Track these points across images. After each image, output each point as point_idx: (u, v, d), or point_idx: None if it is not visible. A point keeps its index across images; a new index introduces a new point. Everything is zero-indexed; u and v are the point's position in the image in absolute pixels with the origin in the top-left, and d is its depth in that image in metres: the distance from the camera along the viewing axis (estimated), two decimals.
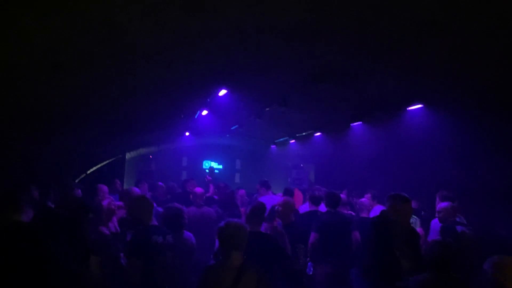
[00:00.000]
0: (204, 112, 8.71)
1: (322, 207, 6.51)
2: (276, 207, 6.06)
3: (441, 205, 5.47)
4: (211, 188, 9.07)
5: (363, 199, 7.13)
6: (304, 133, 11.95)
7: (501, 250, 6.01)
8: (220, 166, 18.61)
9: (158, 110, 7.85)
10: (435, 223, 5.75)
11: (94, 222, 4.46)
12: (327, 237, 5.75)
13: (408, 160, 8.41)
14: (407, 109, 7.10)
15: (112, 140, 10.07)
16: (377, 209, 6.59)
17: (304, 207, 7.23)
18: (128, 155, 14.68)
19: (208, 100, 7.51)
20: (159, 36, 4.23)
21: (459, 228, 5.11)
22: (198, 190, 6.79)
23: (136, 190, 6.60)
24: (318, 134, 11.30)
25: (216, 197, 8.61)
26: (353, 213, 7.07)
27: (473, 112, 6.48)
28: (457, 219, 5.59)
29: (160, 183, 8.69)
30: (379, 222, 4.33)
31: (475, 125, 6.75)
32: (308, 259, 5.73)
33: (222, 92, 6.80)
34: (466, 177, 7.46)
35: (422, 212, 7.17)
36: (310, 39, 4.99)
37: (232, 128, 12.04)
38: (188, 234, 5.07)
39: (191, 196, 6.77)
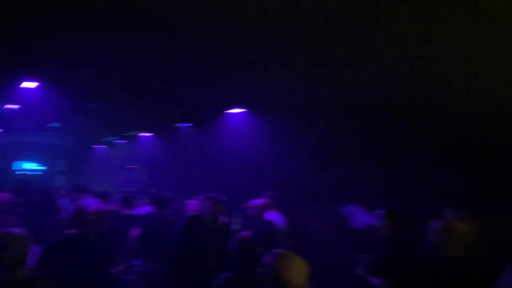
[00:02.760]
0: (11, 106, 7.67)
1: (140, 209, 6.27)
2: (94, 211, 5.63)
3: (253, 201, 5.68)
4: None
5: (191, 200, 7.08)
6: (133, 133, 11.53)
7: (309, 244, 6.66)
8: (42, 168, 16.83)
9: None
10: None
11: None
12: (151, 236, 5.60)
13: (232, 162, 8.70)
14: (230, 112, 7.33)
15: None
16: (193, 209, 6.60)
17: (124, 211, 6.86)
18: None
19: (15, 91, 6.62)
20: None
21: (270, 223, 5.38)
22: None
23: None
24: (148, 134, 11.02)
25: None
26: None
27: (289, 119, 6.99)
28: (272, 215, 5.84)
29: None
30: (189, 222, 4.32)
31: (291, 130, 7.28)
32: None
33: (31, 84, 6.07)
34: (283, 177, 8.00)
35: (244, 210, 7.40)
36: (128, 32, 4.74)
37: (51, 125, 10.93)
38: None
39: None
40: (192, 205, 6.97)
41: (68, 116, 9.37)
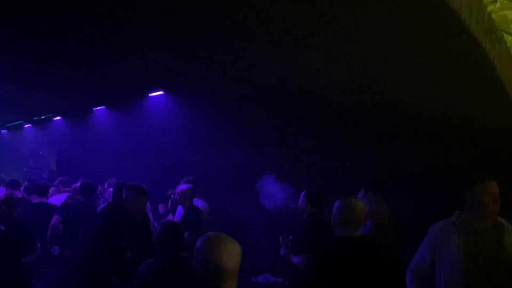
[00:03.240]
0: None
1: (55, 198, 5.98)
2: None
3: (181, 187, 5.62)
4: None
5: (106, 189, 6.85)
6: (42, 117, 10.78)
7: (233, 228, 6.72)
8: None
9: None
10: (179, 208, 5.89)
11: None
12: (71, 224, 5.44)
13: (152, 147, 8.48)
14: (149, 95, 7.11)
15: None
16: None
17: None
18: None
19: None
20: None
21: (196, 208, 5.38)
22: None
23: None
24: (59, 118, 10.35)
25: None
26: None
27: (210, 102, 6.92)
28: (197, 201, 5.82)
29: None
30: (108, 213, 4.16)
31: (212, 114, 7.23)
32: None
33: None
34: (204, 162, 7.96)
35: (172, 196, 7.25)
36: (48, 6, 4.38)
37: None
38: None
39: None
40: (102, 194, 6.78)
41: None
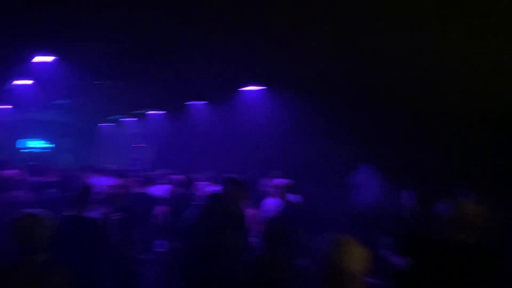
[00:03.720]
0: (22, 82, 7.52)
1: (155, 188, 6.23)
2: (109, 190, 5.60)
3: (275, 182, 5.60)
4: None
5: (201, 182, 7.00)
6: (142, 111, 11.41)
7: (324, 225, 6.59)
8: (48, 145, 16.71)
9: None
10: (269, 201, 5.90)
11: None
12: (177, 215, 5.40)
13: (247, 141, 8.58)
14: (246, 89, 7.18)
15: None
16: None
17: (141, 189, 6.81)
18: None
19: (25, 67, 6.47)
20: None
21: (295, 204, 5.29)
22: (10, 173, 5.86)
23: None
24: (158, 112, 10.89)
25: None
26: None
27: (311, 96, 6.83)
28: (290, 197, 5.79)
29: None
30: (209, 205, 4.20)
31: (305, 108, 7.12)
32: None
33: (44, 58, 5.91)
34: (293, 156, 7.90)
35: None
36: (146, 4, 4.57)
37: (59, 102, 10.77)
38: None
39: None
40: (203, 187, 6.92)
41: (78, 93, 9.21)
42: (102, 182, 6.66)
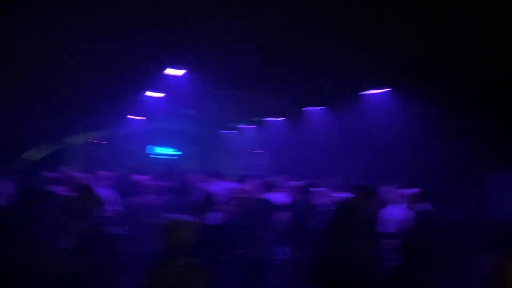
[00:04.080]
0: (154, 94, 8.13)
1: (275, 194, 6.25)
2: (230, 195, 5.74)
3: (406, 191, 5.25)
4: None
5: (322, 188, 6.85)
6: (261, 118, 11.62)
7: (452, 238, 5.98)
8: (178, 152, 18.04)
9: (94, 88, 7.20)
10: (395, 210, 5.54)
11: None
12: (298, 222, 5.65)
13: (367, 146, 8.20)
14: (367, 93, 6.86)
15: (55, 125, 9.32)
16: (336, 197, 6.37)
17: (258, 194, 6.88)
18: (74, 141, 13.83)
19: (157, 81, 6.97)
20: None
21: (426, 214, 4.92)
22: (141, 178, 6.36)
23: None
24: (274, 118, 11.00)
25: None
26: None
27: (437, 97, 6.30)
28: (422, 206, 5.38)
29: (105, 171, 8.03)
30: (339, 212, 4.07)
31: (436, 110, 6.58)
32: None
33: (175, 72, 6.31)
34: (420, 162, 7.33)
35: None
36: (261, 13, 4.59)
37: (186, 112, 11.51)
38: None
39: (134, 185, 6.32)
40: (321, 193, 6.74)
41: (202, 103, 9.70)
42: (223, 187, 6.91)
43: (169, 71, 6.45)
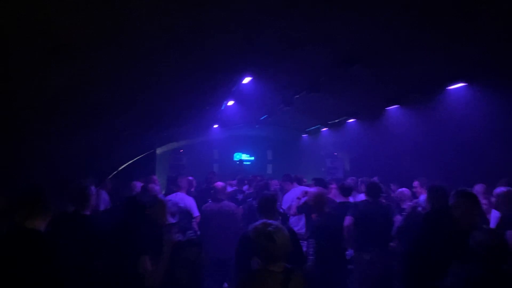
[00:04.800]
0: (230, 102, 8.37)
1: (353, 198, 6.14)
2: (306, 199, 5.74)
3: (497, 190, 4.88)
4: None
5: (403, 189, 6.61)
6: (336, 120, 11.43)
7: None
8: (252, 158, 18.39)
9: (181, 102, 7.56)
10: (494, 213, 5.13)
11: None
12: (366, 226, 5.49)
13: (451, 145, 7.77)
14: (447, 88, 6.51)
15: (142, 135, 9.88)
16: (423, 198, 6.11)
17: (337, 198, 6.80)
18: (158, 150, 14.54)
19: (233, 89, 7.16)
20: (173, 21, 3.90)
21: None
22: (218, 184, 6.53)
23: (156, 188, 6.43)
24: (352, 120, 10.77)
25: (245, 190, 8.34)
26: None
27: None
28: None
29: (190, 177, 8.40)
30: (433, 219, 3.90)
31: None
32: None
33: (247, 79, 6.44)
34: None
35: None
36: (337, 14, 4.55)
37: (261, 118, 11.68)
38: None
39: (214, 192, 6.50)
40: (405, 194, 6.50)
41: (276, 108, 9.78)
42: (301, 191, 6.91)
43: (246, 80, 6.60)
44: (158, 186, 6.52)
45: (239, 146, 17.97)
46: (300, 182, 7.98)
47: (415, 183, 6.96)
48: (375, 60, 6.21)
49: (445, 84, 6.49)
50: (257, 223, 3.03)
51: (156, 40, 4.25)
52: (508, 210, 4.59)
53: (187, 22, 4.05)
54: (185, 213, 6.22)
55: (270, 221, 2.99)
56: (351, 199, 6.64)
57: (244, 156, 18.28)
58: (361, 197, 6.80)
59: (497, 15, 4.35)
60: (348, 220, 5.50)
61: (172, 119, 9.16)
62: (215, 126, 13.52)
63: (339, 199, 6.49)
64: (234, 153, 18.23)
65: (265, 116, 11.48)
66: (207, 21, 4.12)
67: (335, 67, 6.39)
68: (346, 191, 6.39)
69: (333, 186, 7.41)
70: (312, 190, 5.71)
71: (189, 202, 6.68)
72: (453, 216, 3.68)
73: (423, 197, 5.90)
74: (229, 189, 8.13)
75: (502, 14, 4.32)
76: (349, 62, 6.00)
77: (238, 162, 17.91)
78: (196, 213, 6.60)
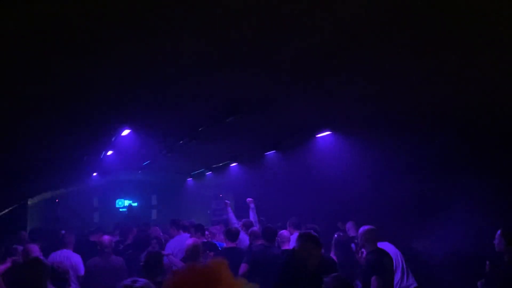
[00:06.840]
0: (110, 152, 8.18)
1: (240, 242, 6.27)
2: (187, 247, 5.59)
3: (363, 228, 5.09)
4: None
5: (283, 231, 6.92)
6: (220, 164, 11.77)
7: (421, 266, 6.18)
8: (135, 204, 17.76)
9: (57, 153, 7.20)
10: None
11: None
12: (259, 271, 5.36)
13: (314, 186, 8.60)
14: (316, 136, 7.22)
15: (10, 186, 9.08)
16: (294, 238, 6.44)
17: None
18: (30, 201, 13.42)
19: (113, 139, 7.04)
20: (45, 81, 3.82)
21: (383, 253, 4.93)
22: (105, 238, 6.26)
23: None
24: (234, 164, 11.20)
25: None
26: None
27: (380, 136, 6.71)
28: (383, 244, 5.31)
29: (62, 231, 7.84)
30: (287, 263, 4.09)
31: (382, 148, 7.00)
32: None
33: (125, 132, 6.42)
34: (377, 198, 7.66)
35: (335, 235, 6.97)
36: (215, 71, 4.83)
37: (144, 164, 11.51)
38: None
39: (98, 247, 6.19)
40: (285, 235, 6.84)
41: (159, 155, 9.75)
42: (183, 238, 6.87)
43: (125, 132, 6.56)
44: (36, 246, 5.94)
45: (122, 192, 17.29)
46: (185, 229, 7.96)
47: (288, 223, 7.34)
48: (252, 111, 6.61)
49: (315, 132, 7.16)
50: (126, 280, 2.99)
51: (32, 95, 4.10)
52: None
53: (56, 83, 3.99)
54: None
55: (138, 279, 2.97)
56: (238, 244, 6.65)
57: (127, 202, 17.59)
58: (244, 237, 6.89)
59: (355, 75, 4.96)
60: (243, 267, 5.44)
61: (47, 168, 8.63)
62: (94, 174, 12.94)
63: (226, 244, 6.47)
64: (116, 199, 17.46)
65: (148, 161, 11.34)
66: (83, 80, 4.10)
67: (213, 118, 6.66)
68: (232, 236, 6.34)
69: (218, 227, 7.52)
70: (188, 241, 5.51)
71: (75, 260, 6.23)
72: (298, 258, 3.85)
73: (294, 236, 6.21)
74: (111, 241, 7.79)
75: (363, 72, 4.92)
76: (226, 114, 6.28)
77: (122, 208, 17.20)
78: (82, 271, 6.17)
